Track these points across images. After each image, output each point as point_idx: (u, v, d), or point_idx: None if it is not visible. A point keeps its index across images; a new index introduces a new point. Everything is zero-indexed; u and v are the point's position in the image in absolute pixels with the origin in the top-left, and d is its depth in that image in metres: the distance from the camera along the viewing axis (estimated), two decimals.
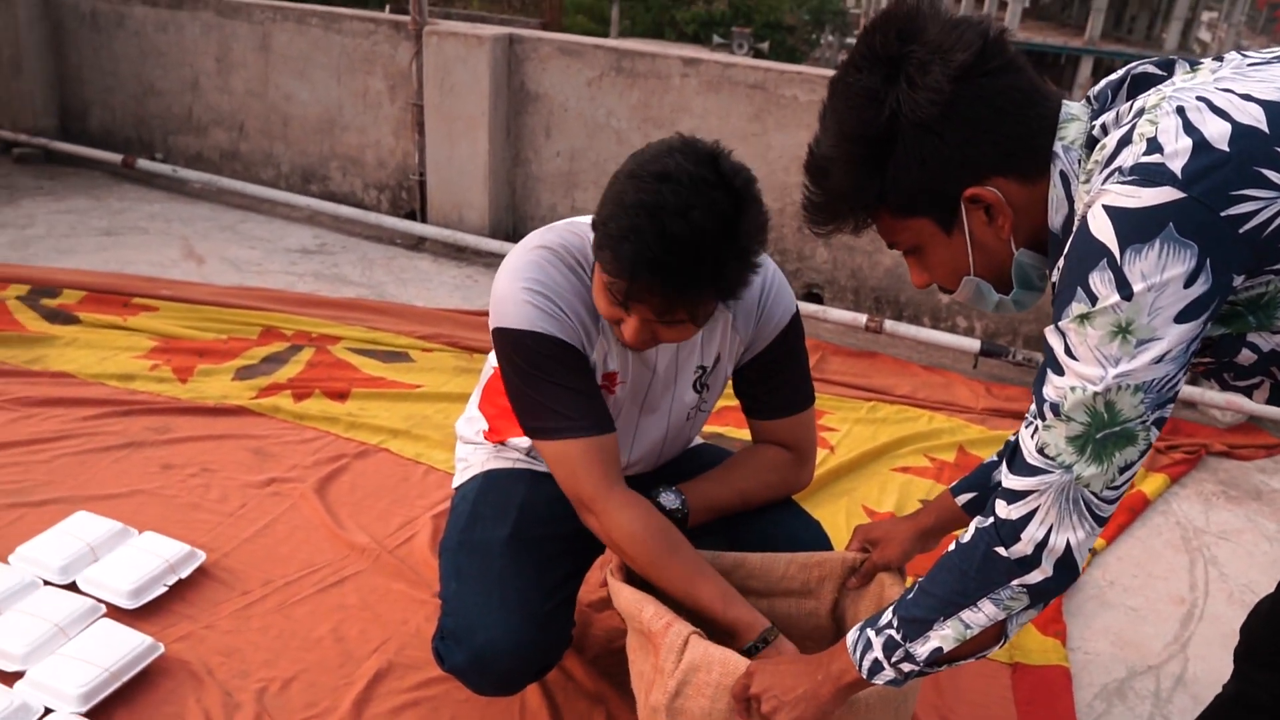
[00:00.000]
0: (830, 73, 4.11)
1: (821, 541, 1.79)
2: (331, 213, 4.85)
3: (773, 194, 4.14)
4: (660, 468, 1.87)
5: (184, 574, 2.16)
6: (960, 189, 1.13)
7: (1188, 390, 3.55)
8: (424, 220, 4.77)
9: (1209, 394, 3.52)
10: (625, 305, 1.43)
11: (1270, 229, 0.95)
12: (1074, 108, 1.15)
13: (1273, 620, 1.43)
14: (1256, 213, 0.94)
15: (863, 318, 3.93)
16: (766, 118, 4.06)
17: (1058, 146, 1.12)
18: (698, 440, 2.01)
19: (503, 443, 1.86)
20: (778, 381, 1.74)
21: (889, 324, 3.91)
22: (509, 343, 1.54)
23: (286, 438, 2.82)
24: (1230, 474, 3.25)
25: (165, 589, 2.12)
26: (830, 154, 1.20)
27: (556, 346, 1.53)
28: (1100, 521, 1.08)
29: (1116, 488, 1.06)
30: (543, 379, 1.54)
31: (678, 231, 1.33)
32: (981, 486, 1.54)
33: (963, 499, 1.55)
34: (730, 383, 1.81)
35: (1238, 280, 0.99)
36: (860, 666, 1.26)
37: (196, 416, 2.88)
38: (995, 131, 1.10)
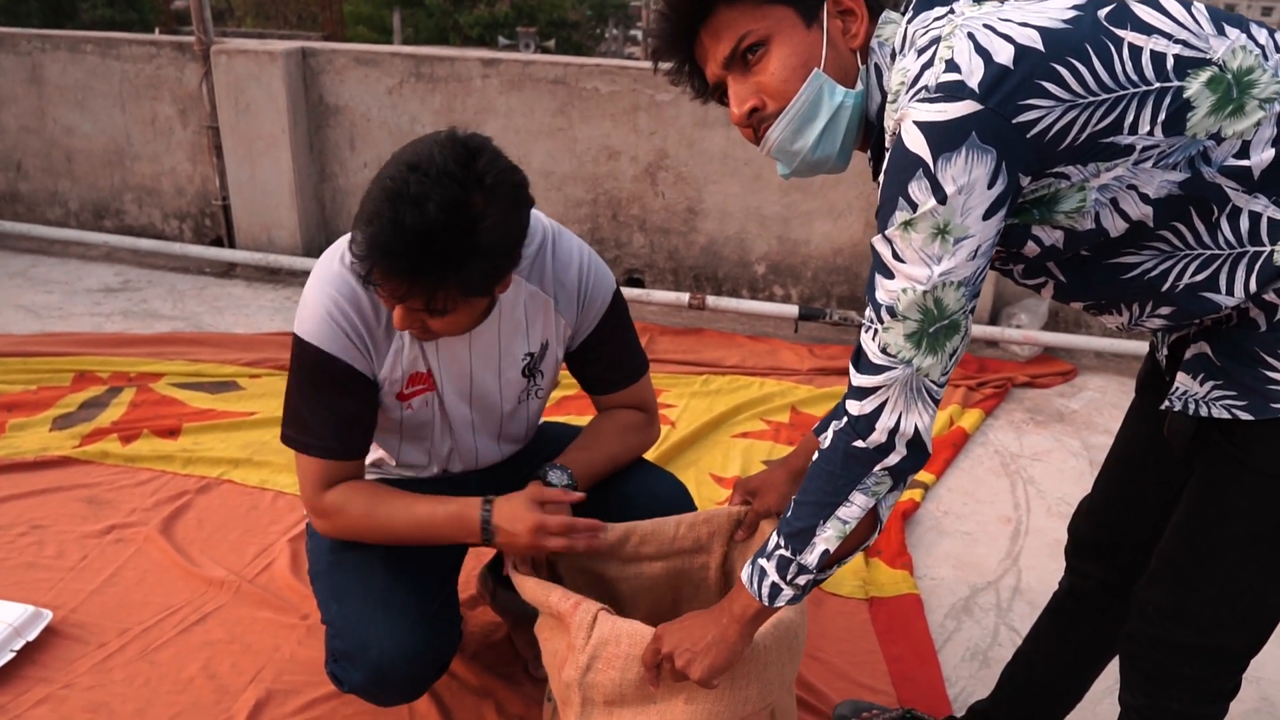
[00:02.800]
0: (628, 62, 4.22)
1: (681, 492, 1.87)
2: (131, 247, 4.65)
3: (584, 185, 4.22)
4: (518, 453, 1.92)
5: (30, 636, 2.07)
6: None
7: (990, 330, 3.83)
8: (232, 246, 4.63)
9: (1008, 332, 3.82)
10: (377, 287, 1.44)
11: (1051, 134, 1.08)
12: (892, 13, 1.25)
13: (1092, 515, 1.59)
14: (1040, 119, 1.07)
15: (685, 296, 4.06)
16: (571, 111, 4.13)
17: (874, 42, 1.24)
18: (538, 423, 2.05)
19: None
20: (612, 358, 1.81)
21: (711, 299, 4.05)
22: (297, 349, 1.60)
23: (120, 482, 2.72)
24: (1035, 402, 3.54)
25: (13, 654, 2.02)
26: None
27: (335, 368, 1.58)
28: (937, 402, 1.20)
29: (948, 372, 1.19)
30: (313, 393, 1.61)
31: (410, 221, 1.34)
32: None
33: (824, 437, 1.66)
34: (567, 367, 1.87)
35: (1025, 181, 1.12)
36: (760, 595, 1.33)
37: (16, 473, 2.74)
38: None
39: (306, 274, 4.37)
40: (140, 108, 4.65)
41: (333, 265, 1.59)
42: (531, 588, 1.55)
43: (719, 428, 3.18)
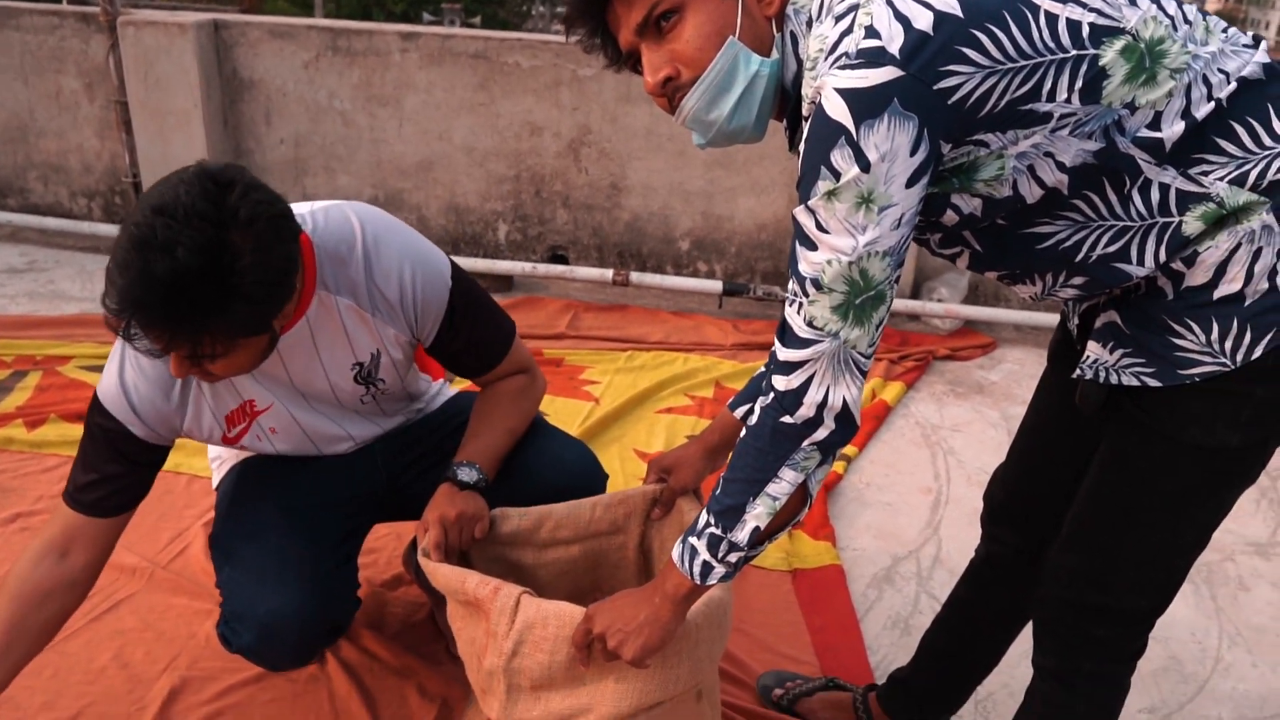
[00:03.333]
0: (550, 37, 4.18)
1: (587, 455, 1.86)
2: (37, 226, 4.50)
3: (506, 161, 4.17)
4: (422, 421, 1.90)
5: None
6: None
7: (911, 304, 3.88)
8: None
9: (929, 305, 3.87)
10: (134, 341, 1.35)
11: (971, 101, 1.08)
12: None
13: (1005, 483, 1.62)
14: (960, 85, 1.07)
15: (609, 273, 4.05)
16: (492, 86, 4.08)
17: (789, 9, 1.22)
18: (450, 391, 2.02)
19: None
20: (471, 347, 1.76)
21: (635, 276, 4.04)
22: (94, 398, 1.57)
23: (25, 469, 2.63)
24: (955, 374, 3.59)
25: None
26: None
27: (115, 431, 1.55)
28: (865, 374, 1.19)
29: (874, 343, 1.18)
30: (86, 446, 1.59)
31: (161, 271, 1.25)
32: (754, 397, 1.63)
33: (739, 411, 1.65)
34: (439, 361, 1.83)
35: (945, 148, 1.12)
36: (691, 574, 1.33)
37: None
38: None
39: None
40: (44, 81, 4.48)
41: None
42: (445, 575, 1.50)
43: (643, 403, 3.17)
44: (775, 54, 1.23)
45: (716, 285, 4.01)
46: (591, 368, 3.38)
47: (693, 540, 1.33)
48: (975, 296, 4.13)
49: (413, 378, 1.87)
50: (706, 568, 1.32)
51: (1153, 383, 1.21)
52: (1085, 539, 1.34)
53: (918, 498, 2.76)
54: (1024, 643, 1.75)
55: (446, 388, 2.03)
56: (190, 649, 2.00)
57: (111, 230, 4.40)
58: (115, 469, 1.58)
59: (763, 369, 1.65)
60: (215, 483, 1.87)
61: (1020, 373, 3.64)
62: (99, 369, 3.18)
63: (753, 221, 4.11)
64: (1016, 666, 1.99)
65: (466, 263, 3.87)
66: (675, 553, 1.36)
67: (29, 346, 3.31)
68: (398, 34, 4.14)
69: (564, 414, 3.02)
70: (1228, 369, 1.16)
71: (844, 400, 1.18)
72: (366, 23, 5.03)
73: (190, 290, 1.26)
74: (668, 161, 4.07)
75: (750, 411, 1.63)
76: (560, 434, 1.90)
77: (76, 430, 2.80)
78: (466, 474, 1.67)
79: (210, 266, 1.27)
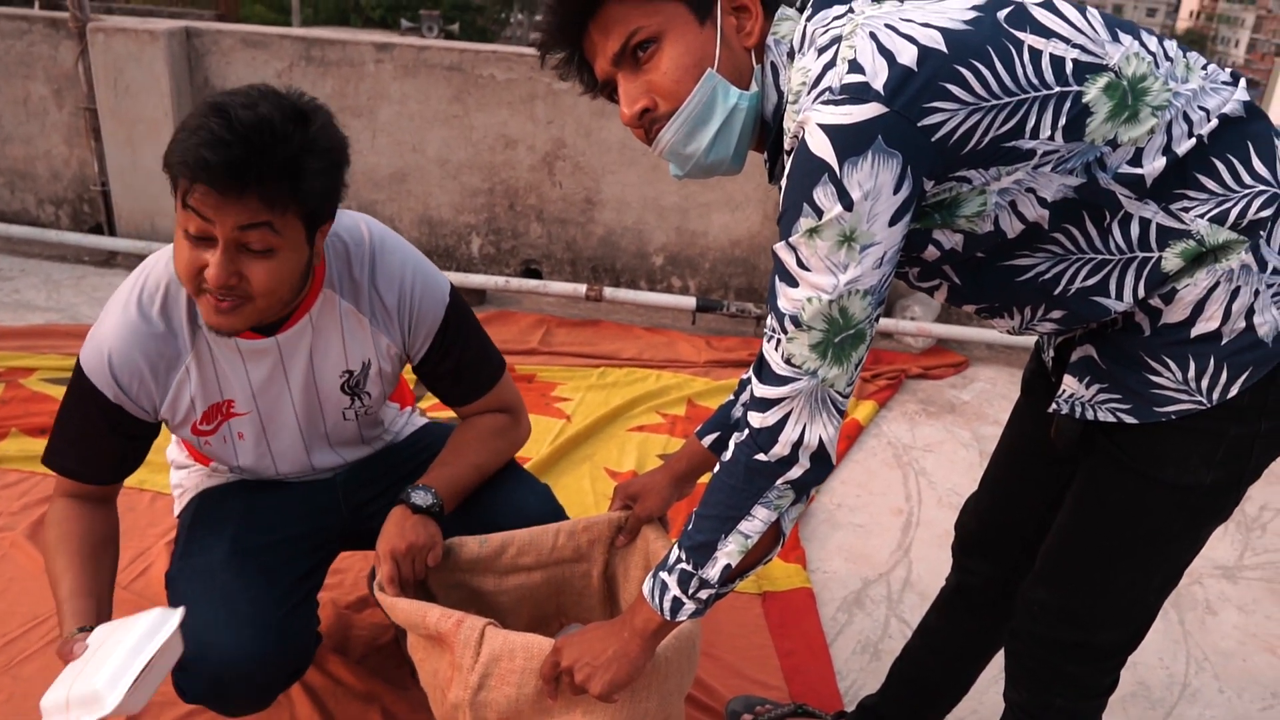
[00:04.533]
0: (525, 50, 4.16)
1: (550, 504, 1.82)
2: (3, 234, 4.43)
3: (480, 174, 4.15)
4: (388, 451, 1.87)
5: None
6: None
7: (884, 322, 3.88)
8: (113, 233, 4.44)
9: (902, 324, 3.87)
10: (200, 214, 1.35)
11: (955, 138, 1.07)
12: (788, 10, 1.22)
13: (978, 513, 1.61)
14: (944, 123, 1.06)
15: (582, 288, 4.03)
16: (467, 99, 4.06)
17: (770, 39, 1.20)
18: (420, 420, 2.00)
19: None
20: (458, 372, 1.75)
21: (608, 291, 4.02)
22: (76, 369, 1.56)
23: None
24: (927, 393, 3.60)
25: None
26: None
27: (100, 401, 1.55)
28: (842, 413, 1.18)
29: (853, 382, 1.17)
30: (76, 418, 1.59)
31: (244, 117, 1.31)
32: (723, 426, 1.63)
33: (708, 440, 1.64)
34: (423, 384, 1.81)
35: (928, 185, 1.11)
36: (661, 609, 1.31)
37: None
38: None
39: None
40: (11, 86, 4.42)
41: (131, 295, 1.54)
42: (404, 609, 1.47)
43: (615, 421, 3.16)
44: (755, 86, 1.22)
45: (690, 301, 4.00)
46: (563, 384, 3.36)
47: (663, 575, 1.31)
48: (948, 315, 4.14)
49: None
50: (677, 603, 1.30)
51: (1129, 419, 1.20)
52: (1059, 574, 1.34)
53: (889, 519, 2.76)
54: (995, 668, 1.75)
55: (415, 416, 1.99)
56: None
57: (80, 239, 4.35)
58: (109, 444, 1.59)
59: (731, 397, 1.64)
60: (176, 511, 1.83)
61: (992, 392, 3.65)
62: (64, 381, 3.12)
63: (727, 237, 4.11)
64: (986, 692, 1.99)
65: None
66: (645, 587, 1.34)
67: None
68: (372, 44, 4.12)
69: (535, 431, 2.97)
70: (1204, 407, 1.16)
71: (820, 439, 1.17)
72: (341, 32, 5.00)
73: (275, 134, 1.31)
74: (642, 176, 4.06)
75: (718, 440, 1.63)
76: (527, 477, 1.87)
77: (39, 445, 2.75)
78: (420, 497, 1.64)
79: (291, 119, 1.34)
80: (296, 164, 1.34)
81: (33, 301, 3.91)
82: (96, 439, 1.59)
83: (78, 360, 1.56)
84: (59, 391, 3.05)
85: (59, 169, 4.54)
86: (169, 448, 1.90)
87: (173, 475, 1.87)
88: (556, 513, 1.81)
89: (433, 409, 2.60)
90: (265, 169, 1.32)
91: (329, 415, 1.72)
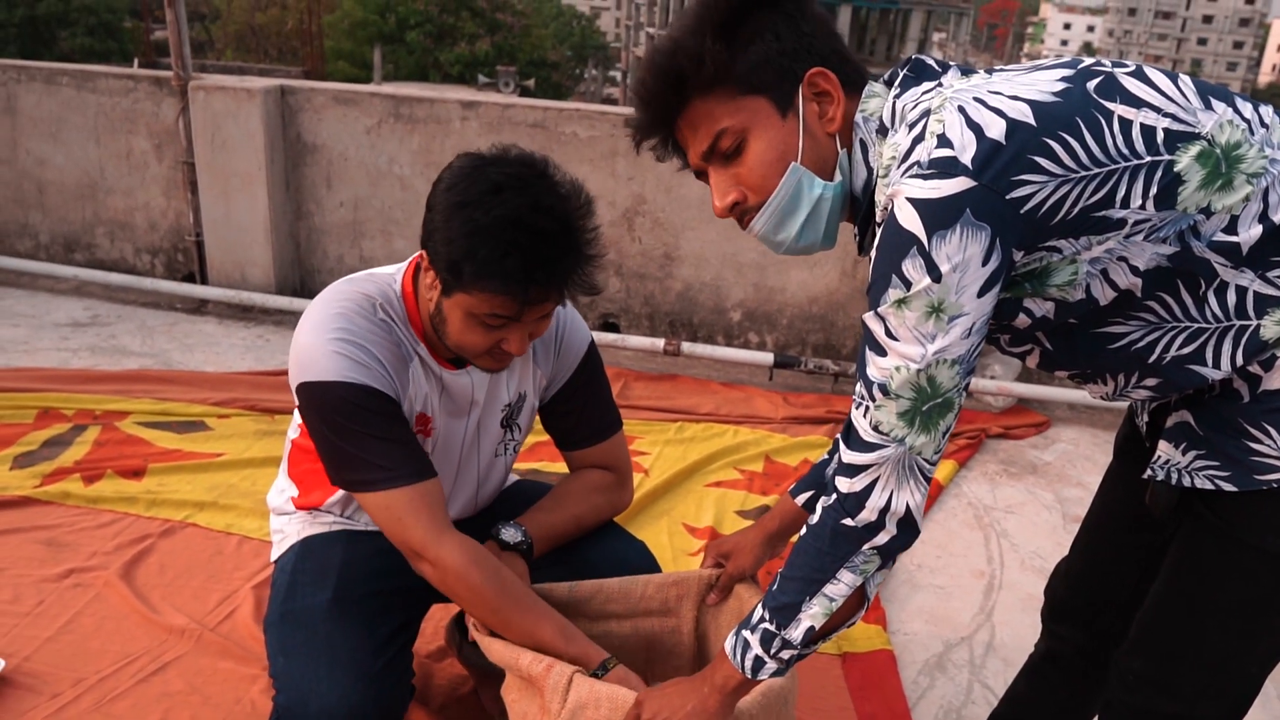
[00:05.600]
0: (608, 108, 4.24)
1: (647, 559, 1.84)
2: (102, 281, 4.60)
3: None
4: (485, 509, 1.88)
5: None
6: (805, 68, 1.21)
7: None
8: (204, 282, 4.59)
9: (983, 382, 3.82)
10: (519, 316, 1.47)
11: (1044, 209, 1.07)
12: (876, 86, 1.24)
13: (1069, 579, 1.58)
14: (1033, 195, 1.06)
15: (660, 342, 4.05)
16: (550, 155, 4.12)
17: (858, 117, 1.23)
18: (513, 478, 2.04)
19: (316, 507, 1.82)
20: (584, 411, 1.80)
21: (686, 346, 4.04)
22: (318, 396, 1.52)
23: (81, 524, 2.66)
24: (1008, 453, 3.54)
25: None
26: (682, 27, 1.23)
27: (369, 396, 1.52)
28: (929, 480, 1.19)
29: (940, 450, 1.18)
30: (357, 430, 1.52)
31: (546, 226, 1.41)
32: (817, 484, 1.63)
33: (801, 498, 1.64)
34: (540, 420, 1.84)
35: (1017, 256, 1.11)
36: (743, 667, 1.32)
37: None
38: (833, 38, 1.24)
39: (280, 311, 4.36)
40: (115, 141, 4.62)
41: (343, 311, 1.56)
42: (499, 650, 1.51)
43: (692, 476, 3.15)
44: (839, 175, 1.24)
45: (768, 357, 4.00)
46: (641, 438, 3.37)
47: (746, 633, 1.32)
48: (1029, 374, 4.08)
49: None
50: (758, 662, 1.30)
51: (1227, 487, 1.18)
52: (1154, 644, 1.31)
53: (970, 581, 2.71)
54: None
55: (510, 476, 2.02)
56: (236, 715, 1.99)
57: (173, 287, 4.49)
58: (400, 431, 1.57)
59: (825, 456, 1.64)
60: (274, 556, 1.86)
61: (1075, 453, 3.58)
62: (157, 425, 3.23)
63: (804, 294, 4.11)
64: None
65: None
66: (728, 644, 1.35)
67: (89, 401, 3.37)
68: (459, 103, 4.22)
69: None
70: None
71: (907, 505, 1.18)
72: (426, 89, 5.14)
73: (568, 227, 1.45)
74: (720, 232, 4.09)
75: (811, 498, 1.62)
76: (623, 533, 1.89)
77: (132, 486, 2.84)
78: (510, 534, 1.66)
79: (567, 201, 1.47)
80: (584, 242, 1.48)
81: (128, 347, 4.05)
82: (394, 432, 1.55)
83: (310, 388, 1.53)
84: (152, 435, 3.16)
85: (156, 220, 4.71)
86: (269, 493, 1.94)
87: (273, 520, 1.90)
88: (653, 567, 1.83)
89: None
90: (577, 266, 1.47)
91: (484, 454, 1.77)
